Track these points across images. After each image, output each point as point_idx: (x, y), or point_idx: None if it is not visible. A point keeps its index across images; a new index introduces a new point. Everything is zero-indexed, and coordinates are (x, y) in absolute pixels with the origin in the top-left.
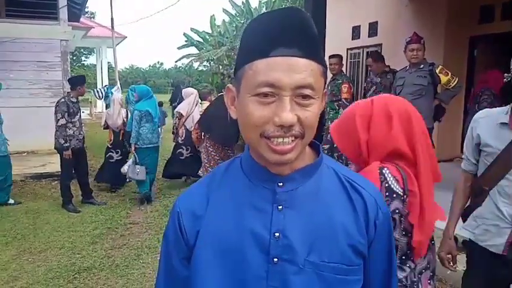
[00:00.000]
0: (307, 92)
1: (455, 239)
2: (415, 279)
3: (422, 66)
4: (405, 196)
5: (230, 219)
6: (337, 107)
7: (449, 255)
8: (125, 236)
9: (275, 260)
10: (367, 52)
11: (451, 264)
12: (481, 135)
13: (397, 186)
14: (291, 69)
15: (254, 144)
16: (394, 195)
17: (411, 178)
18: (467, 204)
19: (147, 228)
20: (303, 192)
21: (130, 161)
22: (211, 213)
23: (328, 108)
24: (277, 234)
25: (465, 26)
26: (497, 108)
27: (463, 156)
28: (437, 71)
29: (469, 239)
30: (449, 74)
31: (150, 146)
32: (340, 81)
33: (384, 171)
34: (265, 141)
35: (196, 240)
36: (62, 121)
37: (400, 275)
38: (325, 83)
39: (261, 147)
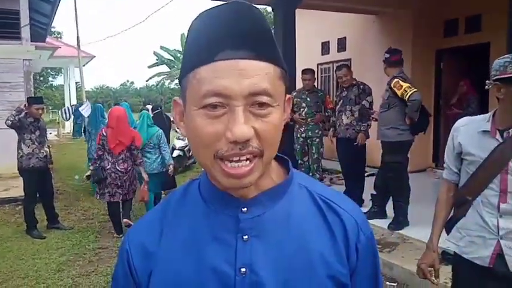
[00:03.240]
0: (264, 99)
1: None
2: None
3: (389, 80)
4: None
5: (188, 255)
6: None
7: (431, 268)
8: (93, 262)
9: None
10: (337, 66)
11: (433, 278)
12: (463, 143)
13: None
14: (241, 74)
15: (207, 167)
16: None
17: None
18: (451, 215)
19: (117, 253)
20: (271, 217)
21: None
22: (166, 248)
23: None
24: (243, 269)
25: (431, 40)
26: (479, 115)
27: (444, 165)
28: (392, 85)
29: (454, 252)
30: (403, 87)
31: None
32: (322, 94)
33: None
34: (219, 164)
35: (149, 281)
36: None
37: None
38: (287, 88)
39: (215, 170)
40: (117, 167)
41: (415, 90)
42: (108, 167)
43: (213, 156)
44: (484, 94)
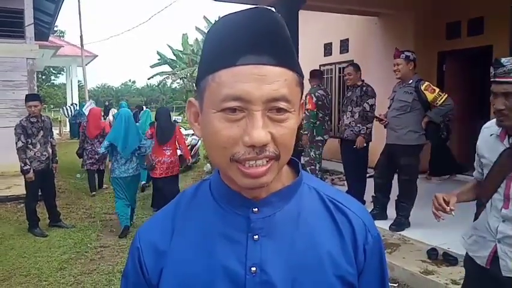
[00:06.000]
0: (281, 105)
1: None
2: None
3: (410, 81)
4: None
5: (198, 253)
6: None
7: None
8: (95, 260)
9: None
10: (339, 68)
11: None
12: (479, 145)
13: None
14: (262, 79)
15: (223, 169)
16: None
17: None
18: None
19: (119, 251)
20: (281, 218)
21: None
22: (177, 247)
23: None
24: (253, 268)
25: (433, 42)
26: None
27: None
28: (422, 88)
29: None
30: (436, 91)
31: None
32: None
33: (84, 123)
34: (236, 165)
35: (160, 280)
36: (19, 144)
37: None
38: (302, 94)
39: (232, 171)
40: (95, 147)
41: (447, 95)
42: (89, 148)
43: (229, 159)
44: (485, 99)
